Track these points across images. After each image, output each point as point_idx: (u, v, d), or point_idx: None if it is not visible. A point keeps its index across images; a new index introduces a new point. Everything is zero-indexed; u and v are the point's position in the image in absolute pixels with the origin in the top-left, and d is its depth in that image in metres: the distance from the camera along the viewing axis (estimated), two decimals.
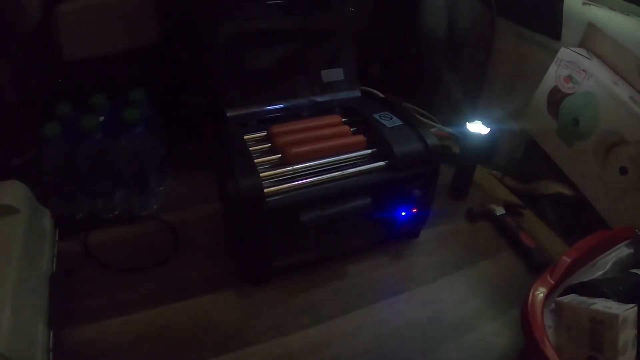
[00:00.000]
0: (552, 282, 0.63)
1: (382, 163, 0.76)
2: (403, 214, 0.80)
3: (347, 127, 0.82)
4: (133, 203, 0.89)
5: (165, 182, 0.95)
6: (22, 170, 0.85)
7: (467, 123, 0.94)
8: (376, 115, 0.81)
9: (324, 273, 0.81)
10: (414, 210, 0.80)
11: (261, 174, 0.69)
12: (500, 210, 0.94)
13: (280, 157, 0.74)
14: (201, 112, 0.97)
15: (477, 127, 0.94)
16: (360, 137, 0.79)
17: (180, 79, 0.98)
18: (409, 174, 0.76)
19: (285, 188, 0.70)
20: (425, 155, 0.76)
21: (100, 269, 0.78)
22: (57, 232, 0.77)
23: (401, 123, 0.79)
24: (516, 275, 0.83)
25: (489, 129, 0.94)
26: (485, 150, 1.00)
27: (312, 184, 0.71)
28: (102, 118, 0.82)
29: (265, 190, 0.68)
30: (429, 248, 0.88)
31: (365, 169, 0.75)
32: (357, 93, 0.93)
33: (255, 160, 0.72)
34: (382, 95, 1.05)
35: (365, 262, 0.84)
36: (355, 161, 0.77)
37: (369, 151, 0.78)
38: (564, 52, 0.92)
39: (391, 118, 0.81)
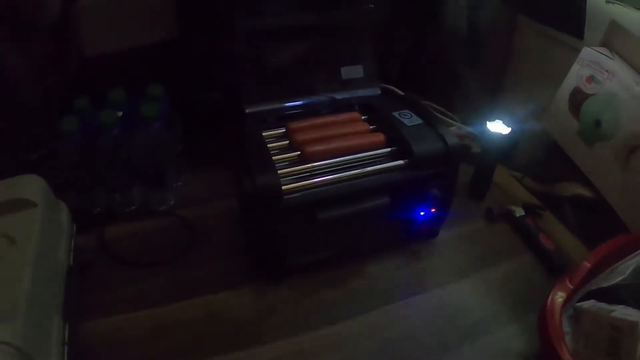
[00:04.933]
0: (571, 287, 0.62)
1: (401, 162, 0.75)
2: (422, 213, 0.79)
3: (366, 125, 0.81)
4: (150, 198, 0.88)
5: (182, 177, 0.94)
6: (40, 164, 0.85)
7: (487, 122, 0.92)
8: (395, 114, 0.80)
9: (340, 272, 0.80)
10: (433, 210, 0.79)
11: (279, 171, 0.69)
12: (519, 212, 0.92)
13: (299, 155, 0.73)
14: (219, 108, 0.96)
15: (498, 127, 0.92)
16: (379, 136, 0.78)
17: (199, 74, 0.98)
18: (428, 173, 0.74)
19: (303, 185, 0.69)
20: (445, 155, 0.75)
21: (116, 263, 0.78)
22: (75, 226, 0.77)
23: (421, 122, 0.78)
24: (534, 278, 0.81)
25: (509, 129, 0.92)
26: (506, 151, 0.98)
27: (331, 182, 0.70)
28: (120, 113, 0.82)
29: (283, 187, 0.67)
30: (447, 249, 0.87)
31: (384, 168, 0.74)
32: (376, 91, 0.92)
33: (274, 157, 0.71)
34: (401, 93, 1.03)
35: (382, 262, 0.82)
36: (374, 159, 0.75)
37: (388, 149, 0.77)
38: (587, 52, 0.89)
39: (411, 116, 0.80)
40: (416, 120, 0.79)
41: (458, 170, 0.77)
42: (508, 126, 0.92)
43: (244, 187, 0.68)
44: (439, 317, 0.75)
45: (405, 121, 0.78)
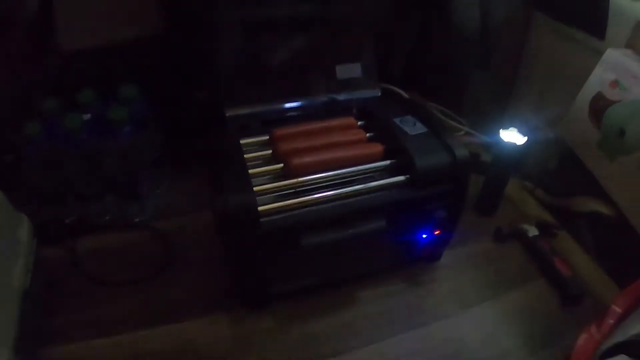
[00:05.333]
0: (598, 336, 0.52)
1: (401, 178, 0.65)
2: (424, 236, 0.70)
3: (362, 133, 0.72)
4: (125, 208, 0.82)
5: (162, 185, 0.88)
6: (15, 166, 0.79)
7: (500, 131, 0.83)
8: (397, 120, 0.71)
9: (329, 300, 0.72)
10: (437, 233, 0.70)
11: (258, 188, 0.60)
12: (532, 231, 0.83)
13: (282, 167, 0.64)
14: (204, 111, 0.88)
15: (512, 136, 0.83)
16: (377, 146, 0.69)
17: (182, 73, 0.90)
18: (433, 192, 0.65)
19: (285, 206, 0.60)
20: (452, 170, 0.65)
21: (84, 282, 0.72)
22: (36, 242, 0.69)
23: (426, 130, 0.69)
24: (548, 309, 0.73)
25: (525, 138, 0.83)
26: (520, 162, 0.89)
27: (318, 202, 0.61)
28: (88, 116, 0.74)
29: (261, 208, 0.58)
30: (451, 273, 0.78)
31: (381, 185, 0.64)
32: (376, 92, 0.83)
33: (252, 171, 0.62)
34: (406, 96, 0.94)
35: (377, 288, 0.74)
36: (369, 174, 0.66)
37: (387, 162, 0.67)
38: (611, 54, 0.80)
39: (414, 124, 0.70)
40: (420, 129, 0.69)
41: (467, 188, 0.68)
42: (523, 135, 0.83)
43: (216, 206, 0.59)
44: (441, 355, 0.66)
45: (408, 129, 0.69)
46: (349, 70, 0.84)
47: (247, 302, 0.70)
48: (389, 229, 0.63)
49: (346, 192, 0.63)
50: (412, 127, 0.70)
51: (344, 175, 0.65)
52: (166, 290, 0.71)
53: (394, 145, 0.68)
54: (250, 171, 0.63)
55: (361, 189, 0.63)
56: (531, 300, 0.74)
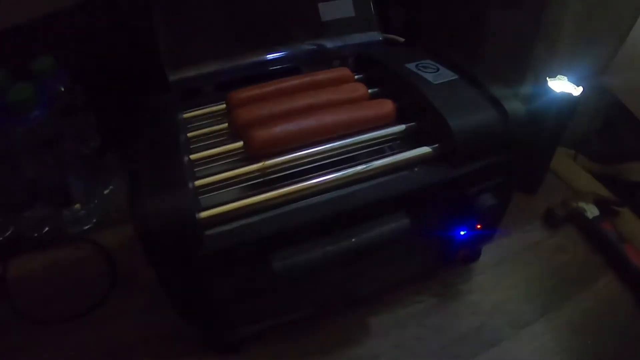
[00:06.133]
0: None
1: (426, 149, 0.42)
2: (462, 233, 0.47)
3: (362, 87, 0.49)
4: (62, 217, 0.66)
5: (109, 186, 0.73)
6: None
7: (548, 80, 0.61)
8: (411, 66, 0.48)
9: (327, 335, 0.51)
10: (478, 227, 0.47)
11: (201, 181, 0.37)
12: (591, 211, 0.65)
13: (241, 147, 0.41)
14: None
15: (563, 86, 0.62)
16: (386, 104, 0.46)
17: (117, 41, 0.69)
18: (476, 168, 0.42)
19: (243, 207, 0.36)
20: (505, 134, 0.42)
21: (11, 316, 0.55)
22: None
23: (456, 76, 0.46)
24: (622, 315, 0.55)
25: (580, 88, 0.62)
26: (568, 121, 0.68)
27: (297, 197, 0.38)
28: None
29: (205, 214, 0.35)
30: (494, 277, 0.58)
31: (397, 162, 0.41)
32: (375, 35, 0.60)
33: (195, 156, 0.40)
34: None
35: (395, 308, 0.54)
36: (377, 147, 0.44)
37: (402, 127, 0.45)
38: None
39: (437, 69, 0.47)
40: (447, 75, 0.46)
41: (525, 160, 0.45)
42: (577, 85, 0.62)
43: (133, 218, 0.35)
44: None
45: (429, 76, 0.46)
46: (336, 9, 0.62)
47: (210, 346, 0.47)
48: (413, 229, 0.40)
49: (343, 178, 0.39)
50: (436, 74, 0.47)
51: (338, 151, 0.42)
52: (106, 329, 0.54)
53: (412, 100, 0.45)
54: (192, 156, 0.40)
55: (367, 171, 0.40)
56: (600, 304, 0.56)
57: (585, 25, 0.77)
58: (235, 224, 0.36)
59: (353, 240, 0.37)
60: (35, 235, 0.65)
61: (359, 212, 0.38)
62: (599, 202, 0.66)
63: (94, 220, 0.67)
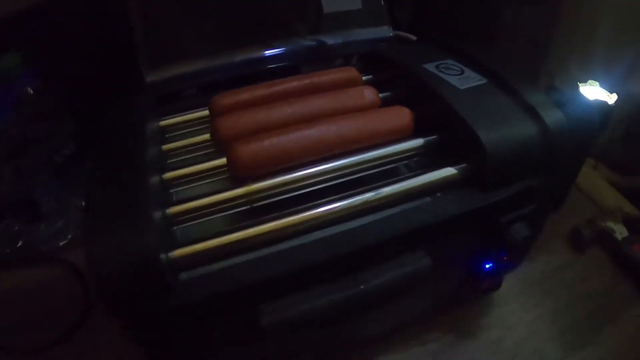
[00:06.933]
0: None
1: (452, 170, 0.34)
2: (487, 266, 0.40)
3: (372, 91, 0.41)
4: (34, 233, 0.60)
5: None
6: None
7: (579, 85, 0.55)
8: (430, 66, 0.40)
9: None
10: (505, 259, 0.40)
11: (174, 209, 0.30)
12: (621, 231, 0.59)
13: (224, 164, 0.34)
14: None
15: (596, 92, 0.55)
16: (402, 112, 0.38)
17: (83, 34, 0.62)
18: (512, 193, 0.34)
19: (223, 244, 0.29)
20: (544, 150, 0.35)
21: None
22: None
23: (484, 80, 0.38)
24: None
25: (615, 96, 0.55)
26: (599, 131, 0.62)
27: (291, 232, 0.30)
28: None
29: (177, 253, 0.28)
30: (517, 310, 0.51)
31: (417, 187, 0.34)
32: (385, 31, 0.53)
33: (169, 175, 0.32)
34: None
35: (405, 349, 0.46)
36: (390, 164, 0.36)
37: (420, 141, 0.37)
38: None
39: (461, 71, 0.40)
40: (474, 78, 0.39)
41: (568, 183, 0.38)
42: (610, 91, 0.55)
43: (87, 261, 0.28)
44: None
45: (453, 80, 0.38)
46: (341, 1, 0.54)
47: None
48: (435, 268, 0.32)
49: (349, 208, 0.32)
50: (461, 77, 0.39)
51: (343, 172, 0.35)
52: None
53: (433, 109, 0.37)
54: (166, 175, 0.33)
55: (378, 199, 0.32)
56: (633, 337, 0.49)
57: (612, 25, 0.71)
58: (215, 266, 0.28)
59: (362, 287, 0.29)
60: (8, 251, 0.60)
61: (369, 252, 0.30)
62: (628, 222, 0.60)
63: (70, 236, 0.61)
